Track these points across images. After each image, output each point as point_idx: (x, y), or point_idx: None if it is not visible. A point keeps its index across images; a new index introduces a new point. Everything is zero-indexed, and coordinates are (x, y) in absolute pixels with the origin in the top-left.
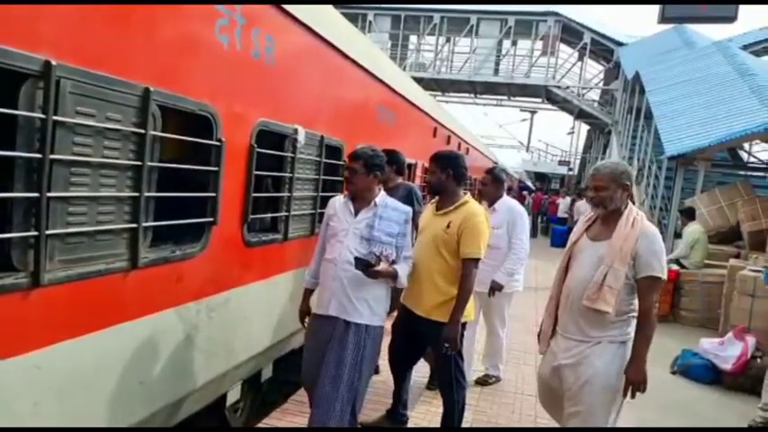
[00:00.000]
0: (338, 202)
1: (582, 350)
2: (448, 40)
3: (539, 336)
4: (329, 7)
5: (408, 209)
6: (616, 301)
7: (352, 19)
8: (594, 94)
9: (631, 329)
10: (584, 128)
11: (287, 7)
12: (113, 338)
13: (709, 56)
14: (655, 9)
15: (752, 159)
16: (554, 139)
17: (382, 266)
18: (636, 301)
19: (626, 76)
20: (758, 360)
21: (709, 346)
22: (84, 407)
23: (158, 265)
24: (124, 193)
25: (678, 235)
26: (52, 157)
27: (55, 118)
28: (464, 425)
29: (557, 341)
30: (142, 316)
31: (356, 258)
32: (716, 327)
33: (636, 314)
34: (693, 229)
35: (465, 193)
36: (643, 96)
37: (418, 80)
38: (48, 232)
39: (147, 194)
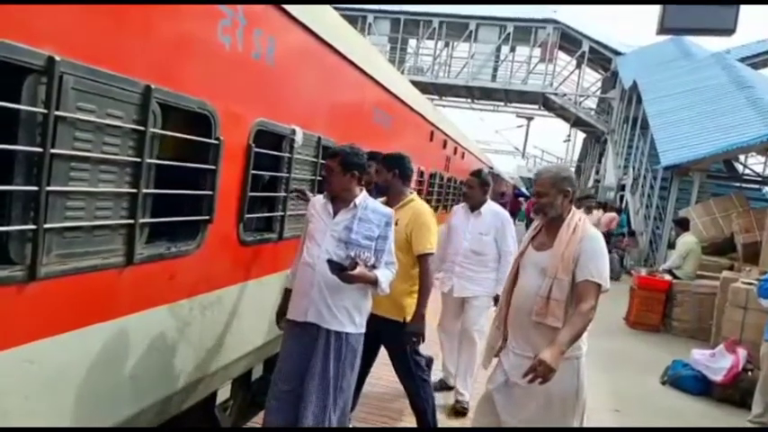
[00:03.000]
0: (318, 202)
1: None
2: (447, 45)
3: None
4: (329, 9)
5: (390, 211)
6: (565, 313)
7: (352, 21)
8: (591, 103)
9: (585, 345)
10: (581, 136)
11: (289, 8)
12: (105, 334)
13: (707, 67)
14: (653, 19)
15: (747, 171)
16: (550, 145)
17: (359, 270)
18: None
19: (623, 85)
20: (749, 373)
21: (700, 357)
22: (73, 401)
23: (153, 262)
24: (122, 189)
25: (672, 245)
26: (53, 151)
27: (57, 113)
28: None
29: (508, 357)
30: (135, 312)
31: (329, 261)
32: (707, 338)
33: (587, 327)
34: (687, 240)
35: (411, 192)
36: (640, 106)
37: (416, 84)
38: (46, 226)
39: (144, 191)
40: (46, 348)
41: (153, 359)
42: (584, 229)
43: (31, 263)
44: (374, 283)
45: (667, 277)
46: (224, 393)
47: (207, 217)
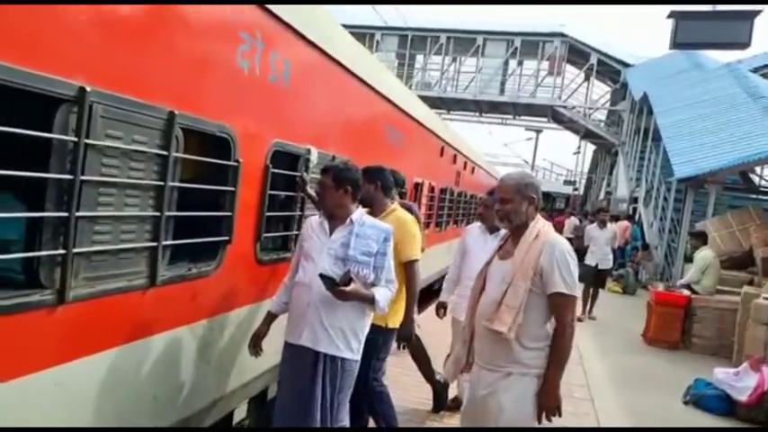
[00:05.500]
0: (314, 221)
1: (491, 381)
2: (454, 60)
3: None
4: (341, 29)
5: (389, 227)
6: (515, 320)
7: (360, 38)
8: (601, 115)
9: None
10: (591, 148)
11: (303, 31)
12: (128, 355)
13: (719, 78)
14: (662, 31)
15: (764, 183)
16: (559, 158)
17: (353, 287)
18: (551, 326)
19: (633, 97)
20: None
21: (723, 376)
22: (96, 423)
23: (175, 283)
24: (146, 213)
25: (688, 259)
26: (82, 178)
27: (87, 141)
28: None
29: (477, 371)
30: (158, 333)
31: (321, 275)
32: (729, 355)
33: (572, 344)
34: (705, 254)
35: (392, 202)
36: (651, 117)
37: (424, 98)
38: (75, 250)
39: (167, 214)
40: (72, 371)
41: (174, 380)
42: (547, 237)
43: (61, 287)
44: (371, 301)
45: (686, 292)
46: (241, 412)
47: (226, 237)
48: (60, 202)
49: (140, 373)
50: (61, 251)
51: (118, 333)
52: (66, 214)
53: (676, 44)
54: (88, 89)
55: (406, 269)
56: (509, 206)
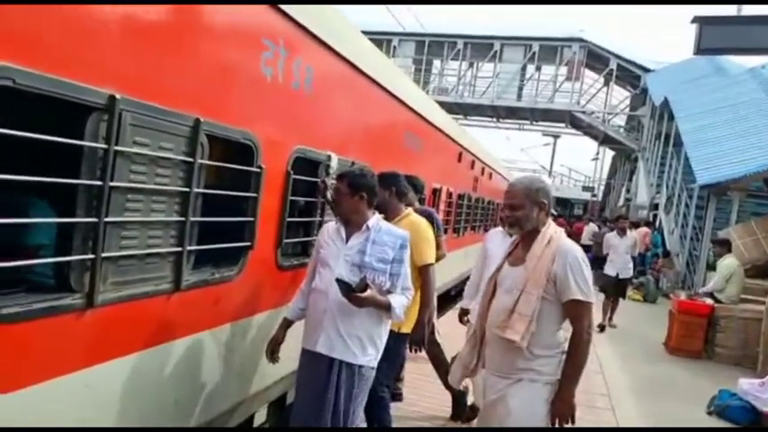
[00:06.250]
0: (331, 227)
1: (501, 388)
2: (471, 65)
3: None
4: (361, 35)
5: (405, 234)
6: (527, 329)
7: (378, 44)
8: (620, 120)
9: (561, 371)
10: (609, 153)
11: (325, 38)
12: (153, 359)
13: (743, 83)
14: (683, 35)
15: None
16: (577, 164)
17: (369, 293)
18: (563, 333)
19: (653, 103)
20: None
21: (748, 386)
22: (122, 424)
23: (198, 288)
24: (172, 218)
25: (711, 267)
26: (111, 184)
27: (116, 148)
28: None
29: (488, 377)
30: (181, 337)
31: (338, 280)
32: (753, 365)
33: (588, 351)
34: (729, 262)
35: (407, 208)
36: (672, 123)
37: (440, 104)
38: (104, 255)
39: (192, 219)
40: (100, 373)
41: (196, 383)
42: (560, 243)
43: (90, 290)
44: (387, 308)
45: (709, 301)
46: (261, 416)
47: (248, 243)
48: (90, 207)
49: (164, 377)
50: (90, 256)
51: (143, 337)
52: (95, 220)
53: (700, 50)
54: (118, 97)
55: (421, 273)
56: (519, 212)
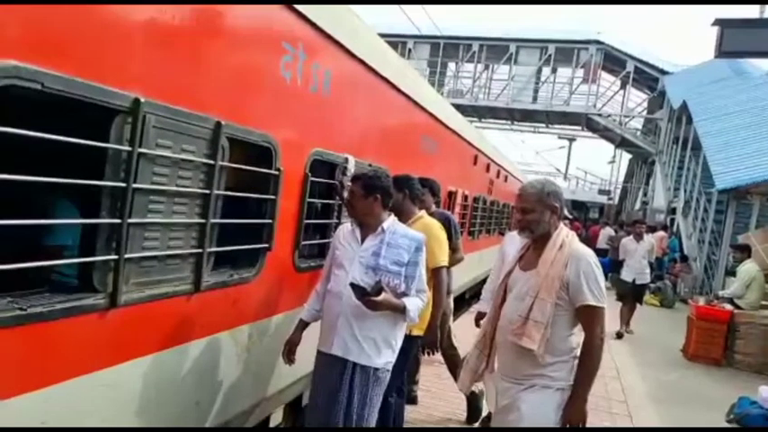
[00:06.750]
0: (345, 229)
1: (513, 393)
2: (486, 68)
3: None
4: (379, 38)
5: (421, 236)
6: (543, 336)
7: (393, 46)
8: (637, 123)
9: (573, 376)
10: (626, 157)
11: (344, 41)
12: (173, 359)
13: (763, 86)
14: (703, 39)
15: None
16: (593, 167)
17: (383, 297)
18: (575, 339)
19: (671, 105)
20: None
21: None
22: (142, 423)
23: (218, 289)
24: (193, 220)
25: (730, 272)
26: (135, 186)
27: (140, 150)
28: None
29: (499, 383)
30: (200, 338)
31: (352, 285)
32: None
33: (601, 356)
34: (749, 268)
35: (420, 210)
36: (690, 126)
37: (455, 106)
38: (127, 256)
39: (212, 221)
40: (122, 373)
41: (215, 384)
42: (572, 248)
43: (113, 291)
44: (402, 310)
45: (728, 307)
46: (277, 417)
47: (266, 245)
48: (113, 209)
49: (183, 377)
50: (114, 256)
51: (164, 337)
52: (119, 221)
53: (722, 52)
54: (142, 100)
55: (434, 275)
56: (531, 216)
